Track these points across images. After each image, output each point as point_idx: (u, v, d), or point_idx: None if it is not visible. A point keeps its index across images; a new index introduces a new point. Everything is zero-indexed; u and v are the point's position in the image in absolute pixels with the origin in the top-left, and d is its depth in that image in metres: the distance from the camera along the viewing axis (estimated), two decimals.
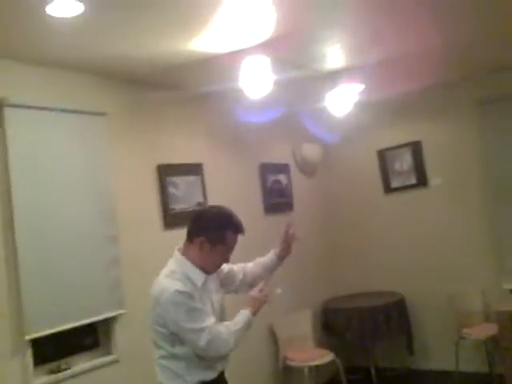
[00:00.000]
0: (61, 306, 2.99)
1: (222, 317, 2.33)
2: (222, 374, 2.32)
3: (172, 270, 2.20)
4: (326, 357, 4.35)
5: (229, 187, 4.40)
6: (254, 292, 2.34)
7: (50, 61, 3.07)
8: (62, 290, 3.00)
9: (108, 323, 3.29)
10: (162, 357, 2.21)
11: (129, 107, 3.63)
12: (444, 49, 3.76)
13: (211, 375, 2.23)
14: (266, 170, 4.87)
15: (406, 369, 5.11)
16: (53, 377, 2.93)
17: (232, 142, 4.51)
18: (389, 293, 5.13)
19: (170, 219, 3.78)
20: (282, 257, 2.58)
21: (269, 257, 2.59)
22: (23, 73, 3.02)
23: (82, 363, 3.13)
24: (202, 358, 2.18)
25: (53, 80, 3.18)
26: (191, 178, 4.03)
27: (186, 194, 3.95)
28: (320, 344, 4.79)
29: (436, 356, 5.02)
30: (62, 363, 3.03)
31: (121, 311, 3.29)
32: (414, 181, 5.22)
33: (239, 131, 4.55)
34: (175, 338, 2.15)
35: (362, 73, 4.07)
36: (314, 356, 4.36)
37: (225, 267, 2.42)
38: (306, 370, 4.22)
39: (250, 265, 2.56)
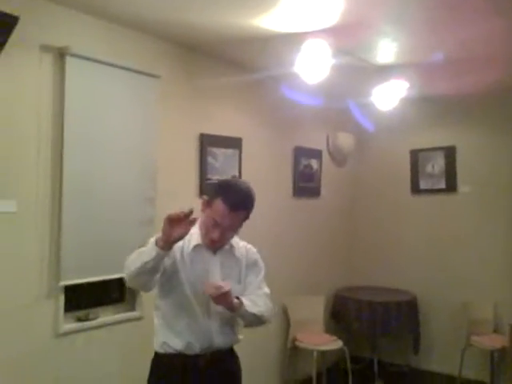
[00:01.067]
0: (95, 258, 3.07)
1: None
2: (197, 356, 2.09)
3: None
4: (334, 343, 4.44)
5: (263, 165, 4.45)
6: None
7: (114, 16, 3.09)
8: (98, 243, 3.08)
9: None
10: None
11: (181, 73, 3.66)
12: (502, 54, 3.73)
13: (177, 343, 2.08)
14: (300, 153, 4.90)
15: (408, 367, 5.20)
16: (80, 324, 3.03)
17: (272, 122, 4.53)
18: (402, 291, 5.19)
19: (206, 188, 3.83)
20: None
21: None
22: (86, 24, 3.05)
23: (107, 315, 3.22)
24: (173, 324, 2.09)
25: (114, 36, 3.21)
26: (230, 151, 4.07)
27: (223, 165, 4.00)
28: (328, 330, 4.87)
29: (440, 359, 5.09)
30: (90, 312, 3.12)
31: None
32: (443, 185, 5.23)
33: (280, 112, 4.57)
34: (161, 288, 2.09)
35: (412, 70, 4.06)
36: (324, 341, 4.44)
37: (251, 283, 2.20)
38: (314, 354, 4.30)
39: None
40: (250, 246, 2.28)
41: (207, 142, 3.85)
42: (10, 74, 2.68)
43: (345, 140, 5.38)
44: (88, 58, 2.99)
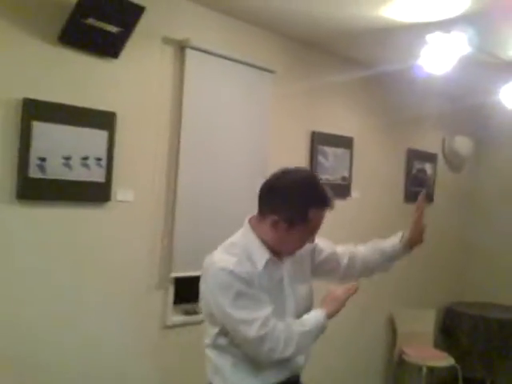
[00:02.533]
0: (205, 252, 3.00)
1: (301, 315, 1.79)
2: (290, 379, 1.78)
3: (232, 242, 1.77)
4: (445, 360, 4.15)
5: (374, 166, 4.25)
6: (338, 289, 1.81)
7: (232, 9, 3.06)
8: (209, 238, 3.01)
9: None
10: (207, 345, 1.79)
11: (296, 69, 3.57)
12: None
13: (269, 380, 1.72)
14: (413, 156, 4.63)
15: None
16: (188, 317, 3.01)
17: (385, 122, 4.31)
18: None
19: None
20: (410, 244, 1.98)
21: (391, 241, 2.00)
22: (205, 17, 3.04)
23: None
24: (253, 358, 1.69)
25: (231, 29, 3.19)
26: (341, 151, 3.92)
27: (333, 165, 3.85)
28: (437, 346, 4.55)
29: None
30: (197, 307, 3.09)
31: None
32: None
33: (395, 111, 4.35)
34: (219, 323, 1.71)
35: None
36: (434, 356, 4.16)
37: (324, 250, 1.92)
38: (424, 369, 4.02)
39: (361, 248, 2.01)
40: None
41: (318, 141, 3.73)
42: (134, 64, 2.72)
43: (462, 144, 5.02)
44: (206, 51, 2.98)
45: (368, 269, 1.99)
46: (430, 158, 4.81)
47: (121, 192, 2.70)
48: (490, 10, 2.84)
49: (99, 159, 2.58)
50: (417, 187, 4.68)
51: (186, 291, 3.09)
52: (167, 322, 2.91)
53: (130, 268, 2.76)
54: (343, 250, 1.97)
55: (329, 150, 3.81)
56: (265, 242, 1.73)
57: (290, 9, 2.98)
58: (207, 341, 1.77)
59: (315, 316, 1.73)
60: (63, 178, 2.46)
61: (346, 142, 3.95)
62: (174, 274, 2.89)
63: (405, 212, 4.55)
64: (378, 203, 4.19)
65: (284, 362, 1.71)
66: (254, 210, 3.23)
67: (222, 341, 1.72)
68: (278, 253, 1.75)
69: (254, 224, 1.79)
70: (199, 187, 2.99)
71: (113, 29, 2.47)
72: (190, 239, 2.95)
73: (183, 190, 2.91)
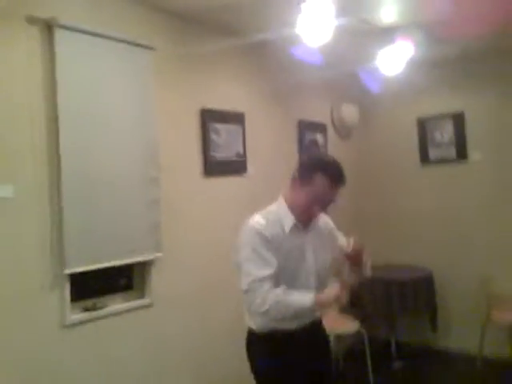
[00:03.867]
0: (100, 244, 2.88)
1: (323, 281, 2.22)
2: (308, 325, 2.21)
3: (269, 210, 2.19)
4: (351, 326, 4.28)
5: (268, 140, 4.26)
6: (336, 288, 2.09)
7: None
8: (102, 228, 2.89)
9: (144, 266, 3.19)
10: (244, 291, 2.10)
11: (178, 45, 3.45)
12: None
13: (288, 325, 2.14)
14: (304, 127, 4.71)
15: (427, 347, 5.02)
16: (87, 314, 2.85)
17: (274, 94, 4.33)
18: (417, 267, 5.01)
19: (210, 166, 3.64)
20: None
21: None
22: None
23: (116, 304, 3.05)
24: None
25: (105, 6, 3.01)
26: (233, 127, 3.87)
27: (226, 142, 3.80)
28: (342, 311, 4.70)
29: (459, 337, 4.91)
30: (97, 302, 2.94)
31: (157, 254, 3.18)
32: (453, 154, 5.03)
33: (283, 82, 4.37)
34: None
35: (417, 29, 3.86)
36: (340, 324, 4.26)
37: (336, 238, 2.39)
38: (331, 338, 4.12)
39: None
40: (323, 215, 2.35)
41: (209, 118, 3.65)
42: None
43: (349, 112, 5.18)
44: (78, 30, 2.79)
45: None
46: (320, 127, 4.92)
47: None
48: None
49: None
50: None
51: (85, 287, 2.93)
52: (66, 321, 2.73)
53: (19, 268, 2.55)
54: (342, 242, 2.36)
55: (220, 126, 3.75)
56: (292, 209, 2.15)
57: None
58: (243, 287, 2.07)
59: (303, 296, 2.03)
60: None
61: (237, 118, 3.91)
62: (68, 271, 2.71)
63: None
64: (273, 177, 4.21)
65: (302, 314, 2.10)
66: (148, 194, 3.14)
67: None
68: (302, 219, 2.16)
69: (285, 193, 2.20)
70: (85, 176, 2.81)
71: None
72: (82, 232, 2.78)
73: (68, 180, 2.72)
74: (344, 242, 2.31)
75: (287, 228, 2.13)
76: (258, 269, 2.03)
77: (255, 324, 2.20)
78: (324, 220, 2.37)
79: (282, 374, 2.13)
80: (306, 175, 2.12)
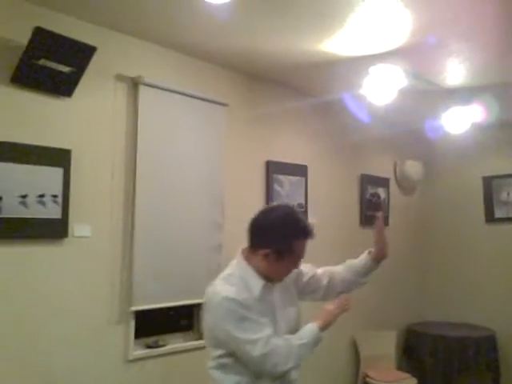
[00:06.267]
0: (165, 284, 3.06)
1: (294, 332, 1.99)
2: None
3: (230, 273, 1.95)
4: (408, 381, 4.20)
5: (329, 192, 4.38)
6: (330, 304, 2.03)
7: (183, 46, 3.18)
8: (168, 269, 3.08)
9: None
10: (210, 367, 1.93)
11: (247, 102, 3.70)
12: None
13: None
14: (366, 181, 4.80)
15: None
16: (149, 350, 3.02)
17: (337, 149, 4.48)
18: (479, 326, 4.89)
19: None
20: (377, 259, 2.16)
21: (361, 259, 2.19)
22: (158, 55, 3.16)
23: (176, 343, 3.19)
24: (258, 374, 1.88)
25: (183, 65, 3.30)
26: (296, 179, 4.04)
27: (289, 193, 3.96)
28: (400, 367, 4.63)
29: None
30: (159, 340, 3.10)
31: None
32: None
33: (346, 138, 4.51)
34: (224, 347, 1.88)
35: (484, 92, 3.92)
36: (397, 378, 4.22)
37: (306, 273, 2.12)
38: None
39: (338, 269, 2.20)
40: None
41: (273, 170, 3.84)
42: (88, 102, 2.79)
43: (413, 167, 5.23)
44: (159, 87, 3.08)
45: (346, 287, 2.17)
46: (383, 182, 4.99)
47: (78, 228, 2.73)
48: (426, 42, 3.05)
49: (55, 196, 2.61)
50: (371, 211, 4.84)
51: (148, 324, 3.10)
52: (129, 356, 2.90)
53: (89, 304, 2.76)
54: (323, 272, 2.17)
55: (284, 178, 3.93)
56: (258, 271, 1.94)
57: (237, 44, 3.12)
58: (211, 363, 1.93)
59: (310, 328, 1.94)
60: (20, 216, 2.48)
61: (300, 170, 4.08)
62: (135, 308, 2.90)
63: (361, 235, 4.70)
64: (334, 228, 4.30)
65: (280, 378, 1.92)
66: (212, 239, 3.32)
67: (226, 361, 1.89)
68: (270, 279, 1.96)
69: (247, 256, 1.97)
70: (156, 220, 3.04)
71: (64, 68, 2.54)
72: (149, 272, 2.98)
73: (141, 224, 2.95)
74: (310, 267, 2.16)
75: (257, 291, 1.90)
76: (259, 331, 1.83)
77: None
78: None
79: None
80: (283, 247, 1.89)
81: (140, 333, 3.03)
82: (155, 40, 3.08)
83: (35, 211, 2.53)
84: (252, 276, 1.93)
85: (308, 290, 2.14)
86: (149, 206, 3.00)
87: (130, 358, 2.90)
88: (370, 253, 2.17)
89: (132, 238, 2.93)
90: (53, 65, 2.49)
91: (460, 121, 4.03)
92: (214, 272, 3.28)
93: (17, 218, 2.47)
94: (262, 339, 1.81)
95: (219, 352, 1.90)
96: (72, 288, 2.69)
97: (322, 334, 1.94)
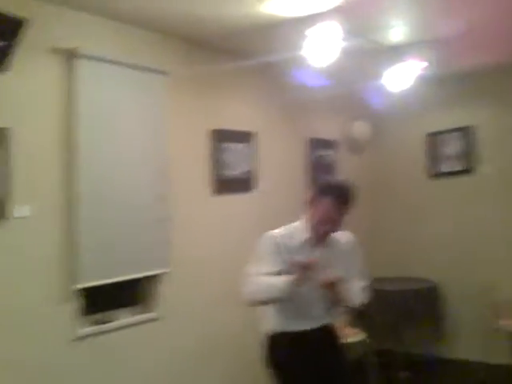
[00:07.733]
0: (111, 259, 3.03)
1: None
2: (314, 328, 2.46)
3: (292, 225, 2.48)
4: (356, 336, 4.34)
5: (277, 158, 4.35)
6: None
7: (120, 15, 3.07)
8: (113, 243, 3.04)
9: (152, 281, 3.32)
10: None
11: (189, 69, 3.59)
12: None
13: (301, 326, 2.44)
14: (314, 144, 4.80)
15: (433, 356, 5.07)
16: (97, 327, 2.99)
17: (284, 113, 4.44)
18: (423, 279, 5.07)
19: (219, 184, 3.76)
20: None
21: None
22: (94, 25, 3.04)
23: (123, 318, 3.19)
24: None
25: (121, 35, 3.19)
26: (242, 146, 3.99)
27: (236, 160, 3.93)
28: (350, 324, 4.76)
29: (465, 346, 4.95)
30: (106, 316, 3.08)
31: (165, 270, 3.31)
32: (461, 167, 5.08)
33: (292, 101, 4.47)
34: None
35: (426, 48, 3.93)
36: (345, 334, 4.31)
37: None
38: None
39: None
40: (346, 232, 2.59)
41: (219, 138, 3.79)
42: (24, 77, 2.68)
43: (361, 129, 5.28)
44: (97, 58, 2.98)
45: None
46: (331, 144, 4.99)
47: (17, 208, 2.63)
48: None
49: None
50: (321, 174, 4.85)
51: (96, 301, 3.05)
52: (77, 333, 2.87)
53: (34, 283, 2.71)
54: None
55: (230, 145, 3.87)
56: (309, 223, 2.42)
57: (176, 9, 3.02)
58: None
59: (282, 278, 2.26)
60: None
61: (246, 137, 4.03)
62: (80, 286, 2.86)
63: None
64: (284, 193, 4.30)
65: (303, 314, 2.44)
66: (158, 212, 3.26)
67: None
68: (316, 238, 2.42)
69: (306, 211, 2.46)
70: (100, 196, 2.98)
71: None
72: (95, 248, 2.93)
73: (84, 200, 2.89)
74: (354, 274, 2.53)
75: (297, 242, 2.39)
76: (259, 266, 2.33)
77: (273, 325, 2.49)
78: (348, 240, 2.59)
79: (299, 364, 2.41)
80: (317, 197, 2.40)
81: (89, 310, 2.99)
82: (91, 10, 2.95)
83: None
84: (303, 229, 2.43)
85: None
86: (91, 182, 2.93)
87: (78, 335, 2.87)
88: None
89: (75, 215, 2.86)
90: None
91: (403, 77, 4.03)
92: (162, 244, 3.30)
93: None
94: (254, 272, 2.31)
95: None
96: (13, 270, 2.63)
97: (289, 287, 2.22)
